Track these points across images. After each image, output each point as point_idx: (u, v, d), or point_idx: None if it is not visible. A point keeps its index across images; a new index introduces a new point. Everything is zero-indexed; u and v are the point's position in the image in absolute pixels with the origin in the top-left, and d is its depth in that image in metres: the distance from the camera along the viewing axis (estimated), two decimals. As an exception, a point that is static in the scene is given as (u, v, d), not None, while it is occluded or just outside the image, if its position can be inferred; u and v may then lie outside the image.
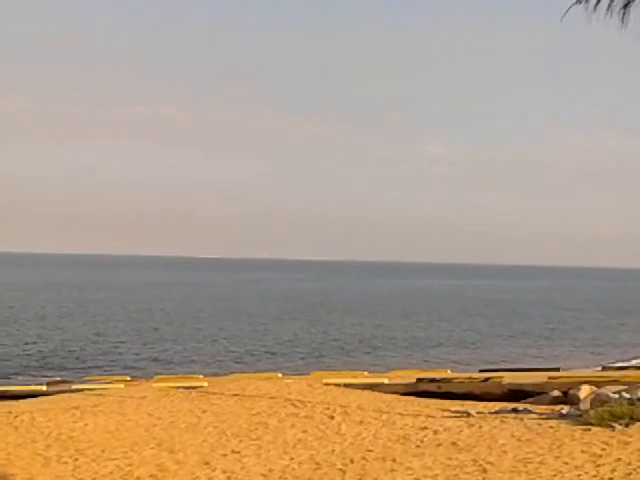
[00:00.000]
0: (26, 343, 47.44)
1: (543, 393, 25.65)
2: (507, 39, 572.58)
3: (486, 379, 27.92)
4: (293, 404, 23.59)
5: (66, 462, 17.45)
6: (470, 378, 28.54)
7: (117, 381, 30.74)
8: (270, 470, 16.62)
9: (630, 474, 14.70)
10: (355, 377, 29.85)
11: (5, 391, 29.07)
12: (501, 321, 73.73)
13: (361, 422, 20.91)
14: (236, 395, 25.39)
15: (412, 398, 25.35)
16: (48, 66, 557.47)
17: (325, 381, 28.17)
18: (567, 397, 24.77)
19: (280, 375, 31.47)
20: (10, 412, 23.43)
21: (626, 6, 21.62)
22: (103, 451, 18.37)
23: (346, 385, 27.58)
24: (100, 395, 26.84)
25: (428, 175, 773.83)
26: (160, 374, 33.26)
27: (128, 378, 31.75)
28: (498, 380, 27.48)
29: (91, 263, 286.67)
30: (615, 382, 24.59)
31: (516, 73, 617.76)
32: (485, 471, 15.48)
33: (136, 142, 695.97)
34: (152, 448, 18.70)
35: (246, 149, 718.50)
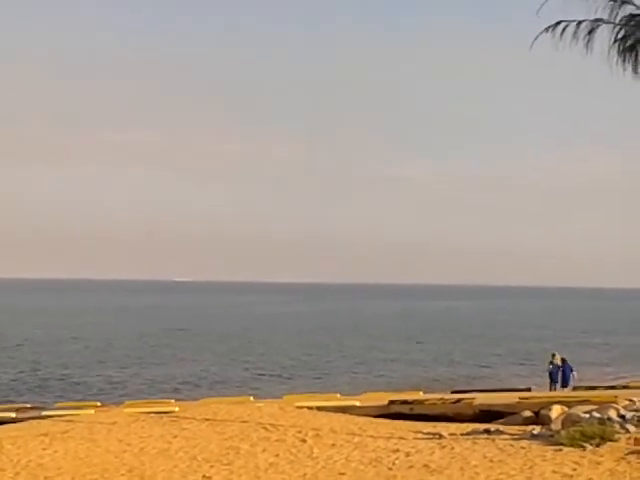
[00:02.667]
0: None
1: (515, 413, 25.70)
2: (491, 59, 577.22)
3: (458, 400, 27.94)
4: (265, 428, 23.47)
5: (35, 490, 17.24)
6: (442, 399, 28.54)
7: (87, 407, 30.44)
8: (241, 495, 16.51)
9: (601, 494, 14.74)
10: (327, 400, 29.76)
11: (-28, 419, 28.71)
12: (481, 340, 73.95)
13: (333, 445, 20.84)
14: (207, 420, 25.22)
15: (384, 420, 25.30)
16: (30, 87, 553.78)
17: (297, 404, 28.06)
18: (538, 417, 24.84)
19: (252, 399, 31.33)
20: (-22, 440, 23.14)
21: (590, 33, 21.98)
22: (73, 478, 18.18)
23: (318, 408, 27.50)
24: (70, 421, 26.54)
25: (407, 197, 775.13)
26: (131, 399, 32.96)
27: (98, 404, 31.45)
28: (470, 401, 27.51)
29: (70, 288, 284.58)
30: (586, 402, 24.68)
31: (497, 93, 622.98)
32: (457, 493, 15.47)
33: (116, 167, 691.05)
34: (123, 475, 18.52)
35: (223, 172, 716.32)
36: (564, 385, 33.53)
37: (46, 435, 23.51)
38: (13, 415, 28.97)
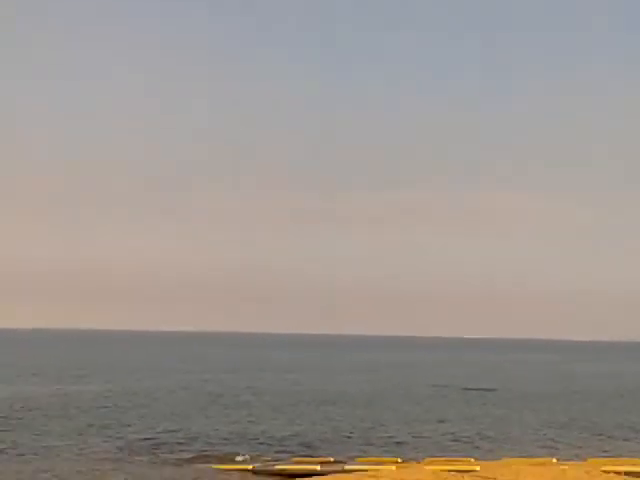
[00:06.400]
0: (304, 420, 48.61)
1: None
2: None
3: None
4: (573, 492, 22.62)
5: None
6: None
7: (388, 462, 30.82)
8: None
9: None
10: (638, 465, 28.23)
11: (282, 470, 29.98)
12: None
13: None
14: (511, 480, 24.76)
15: None
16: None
17: (603, 468, 26.87)
18: None
19: (554, 460, 30.36)
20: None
21: None
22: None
23: (627, 473, 26.18)
24: (373, 476, 26.98)
25: None
26: (431, 456, 32.92)
27: (399, 460, 31.73)
28: None
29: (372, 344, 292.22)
30: None
31: None
32: None
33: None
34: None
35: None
36: None
37: (351, 489, 24.02)
38: (318, 468, 29.90)
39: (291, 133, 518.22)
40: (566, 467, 27.79)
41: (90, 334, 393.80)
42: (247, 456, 33.38)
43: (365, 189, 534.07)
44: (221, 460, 32.70)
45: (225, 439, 39.43)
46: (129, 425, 43.74)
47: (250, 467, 30.58)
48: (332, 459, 32.56)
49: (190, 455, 34.23)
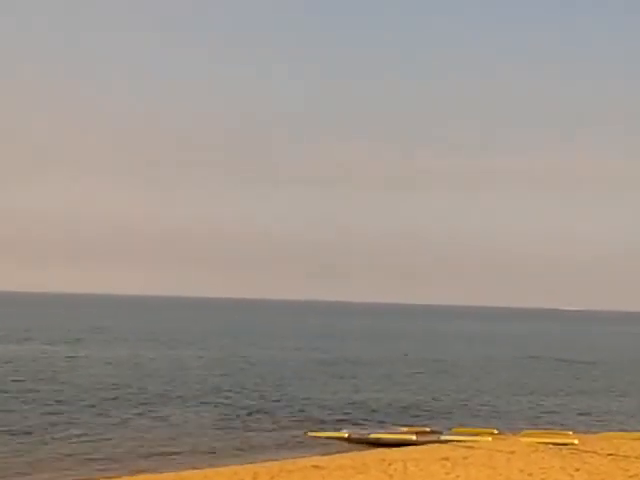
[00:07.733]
0: (401, 390, 48.74)
1: None
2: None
3: None
4: (673, 468, 22.15)
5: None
6: None
7: (485, 434, 30.69)
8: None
9: None
10: None
11: (378, 439, 30.15)
12: None
13: None
14: (610, 455, 24.39)
15: None
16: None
17: None
18: None
19: (656, 436, 29.71)
20: (384, 460, 24.29)
21: None
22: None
23: None
24: (469, 447, 26.97)
25: None
26: (528, 428, 32.62)
27: (495, 431, 31.56)
28: None
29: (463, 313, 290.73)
30: None
31: None
32: None
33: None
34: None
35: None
36: None
37: (447, 459, 24.08)
38: (414, 438, 29.99)
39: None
40: (668, 442, 27.21)
41: (189, 301, 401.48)
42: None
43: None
44: (318, 427, 33.06)
45: (325, 407, 39.87)
46: (234, 391, 44.68)
47: (346, 435, 30.84)
48: (428, 429, 32.57)
49: (288, 422, 34.72)
